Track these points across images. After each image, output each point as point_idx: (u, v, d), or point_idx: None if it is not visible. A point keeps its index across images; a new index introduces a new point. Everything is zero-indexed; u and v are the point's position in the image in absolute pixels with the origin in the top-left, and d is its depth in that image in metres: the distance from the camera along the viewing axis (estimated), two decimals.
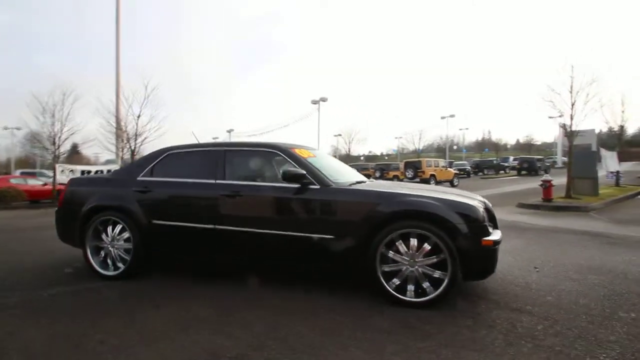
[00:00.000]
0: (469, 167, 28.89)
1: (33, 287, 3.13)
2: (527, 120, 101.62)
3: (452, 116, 36.24)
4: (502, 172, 30.54)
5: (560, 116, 10.30)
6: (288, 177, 2.83)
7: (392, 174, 22.91)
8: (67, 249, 3.92)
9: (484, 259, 2.56)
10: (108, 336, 2.17)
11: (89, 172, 13.14)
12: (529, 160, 26.43)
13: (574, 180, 9.73)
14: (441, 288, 2.52)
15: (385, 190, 2.86)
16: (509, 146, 49.98)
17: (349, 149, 20.17)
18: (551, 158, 32.36)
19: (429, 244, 2.55)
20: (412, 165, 19.91)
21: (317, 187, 2.84)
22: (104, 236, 3.32)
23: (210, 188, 3.08)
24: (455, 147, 39.39)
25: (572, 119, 9.43)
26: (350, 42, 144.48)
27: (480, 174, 29.66)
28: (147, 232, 3.17)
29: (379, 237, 2.61)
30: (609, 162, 12.10)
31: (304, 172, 2.83)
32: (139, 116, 10.94)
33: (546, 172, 26.97)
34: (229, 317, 2.45)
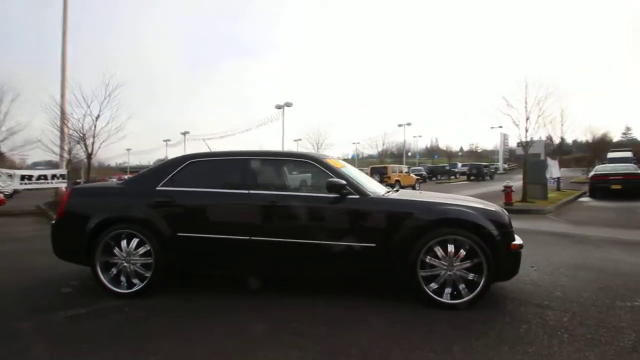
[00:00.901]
0: (425, 173, 30.85)
1: (38, 310, 2.82)
2: (472, 128, 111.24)
3: (409, 124, 38.53)
4: (453, 177, 33.10)
5: (500, 127, 11.58)
6: (331, 187, 2.90)
7: None
8: (49, 266, 3.61)
9: (512, 261, 2.86)
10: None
11: (30, 176, 11.73)
12: (477, 166, 28.98)
13: (528, 186, 10.96)
14: (477, 290, 2.76)
15: (422, 200, 3.07)
16: (460, 153, 54.36)
17: (318, 150, 20.32)
18: (493, 165, 35.92)
19: (464, 249, 2.80)
20: (378, 171, 20.76)
21: (357, 197, 2.95)
22: (116, 251, 3.08)
23: (245, 198, 3.02)
24: (409, 154, 41.81)
25: (527, 131, 10.63)
26: (314, 45, 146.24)
27: (435, 179, 31.82)
28: (171, 245, 3.01)
29: (420, 244, 2.79)
30: (553, 170, 13.78)
31: (345, 182, 2.93)
32: (97, 117, 10.05)
33: (491, 178, 30.10)
34: (285, 329, 2.46)
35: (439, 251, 2.81)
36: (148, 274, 3.04)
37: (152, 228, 3.03)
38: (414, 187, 20.58)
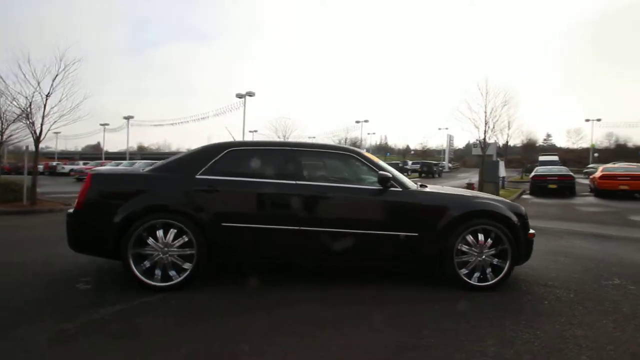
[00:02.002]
0: None
1: (70, 308, 2.58)
2: (420, 127, 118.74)
3: (366, 121, 39.96)
4: (406, 174, 35.28)
5: (446, 128, 12.85)
6: (382, 180, 3.09)
7: None
8: (46, 258, 3.35)
9: (528, 248, 3.33)
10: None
11: None
12: (428, 164, 31.30)
13: (484, 184, 12.24)
14: (502, 273, 3.17)
15: (456, 194, 3.41)
16: (412, 152, 57.87)
17: None
18: (440, 163, 39.04)
19: (491, 237, 3.19)
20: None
21: (400, 189, 3.19)
22: (151, 242, 2.92)
23: (293, 189, 3.07)
24: (365, 150, 43.66)
25: (485, 133, 11.84)
26: (276, 35, 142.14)
27: None
28: (215, 235, 2.95)
29: (456, 233, 3.12)
30: (500, 169, 15.53)
31: (391, 175, 3.14)
32: (48, 95, 8.84)
33: (439, 175, 32.75)
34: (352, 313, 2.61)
35: (471, 240, 3.17)
36: (186, 266, 2.95)
37: (194, 218, 2.94)
38: None
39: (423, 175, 30.40)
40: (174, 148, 73.52)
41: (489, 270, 3.19)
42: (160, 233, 2.93)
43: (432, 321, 2.52)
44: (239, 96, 25.08)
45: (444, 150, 44.81)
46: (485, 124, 11.66)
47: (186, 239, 2.94)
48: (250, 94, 24.55)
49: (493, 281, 3.17)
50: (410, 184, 3.34)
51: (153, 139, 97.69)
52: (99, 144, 62.88)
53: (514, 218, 3.24)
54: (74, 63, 9.34)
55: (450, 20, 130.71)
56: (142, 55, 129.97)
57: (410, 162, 41.98)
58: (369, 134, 48.48)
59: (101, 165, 24.39)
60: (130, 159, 30.27)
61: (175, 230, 2.94)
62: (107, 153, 45.30)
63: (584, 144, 51.29)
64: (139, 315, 2.52)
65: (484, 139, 11.95)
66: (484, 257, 3.18)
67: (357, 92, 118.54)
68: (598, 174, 13.69)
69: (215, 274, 3.35)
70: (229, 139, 3.64)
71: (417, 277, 3.49)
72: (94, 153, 59.72)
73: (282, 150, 3.27)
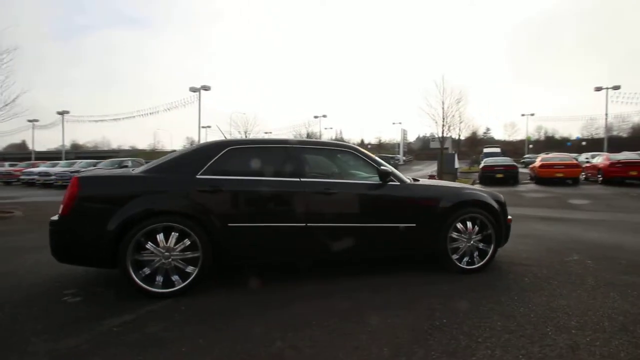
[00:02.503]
0: None
1: (70, 322, 2.40)
2: (375, 122, 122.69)
3: (324, 116, 40.36)
4: None
5: (399, 123, 13.70)
6: (382, 174, 3.24)
7: None
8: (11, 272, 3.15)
9: (507, 232, 3.72)
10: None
11: None
12: (385, 158, 32.56)
13: (442, 175, 13.15)
14: (487, 256, 3.51)
15: (447, 186, 3.67)
16: (369, 146, 59.69)
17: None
18: (394, 157, 40.76)
19: (477, 224, 3.52)
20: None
21: (398, 183, 3.37)
22: (151, 247, 2.79)
23: (298, 186, 3.10)
24: None
25: (442, 127, 12.69)
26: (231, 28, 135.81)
27: None
28: (220, 237, 2.89)
29: (448, 222, 3.39)
30: (455, 161, 16.76)
31: (391, 170, 3.31)
32: None
33: (395, 168, 34.04)
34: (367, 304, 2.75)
35: (461, 227, 3.46)
36: (189, 269, 2.85)
37: (198, 220, 2.84)
38: None
39: None
40: (114, 146, 68.06)
41: (476, 254, 3.51)
42: (160, 237, 2.80)
43: (440, 303, 2.74)
44: (193, 90, 23.90)
45: (398, 143, 46.90)
46: (443, 119, 12.48)
47: (189, 242, 2.84)
48: (206, 88, 23.51)
49: (480, 264, 3.49)
50: (405, 178, 3.54)
51: (88, 136, 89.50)
52: (24, 142, 56.24)
53: (496, 205, 3.59)
54: (9, 52, 8.33)
55: (402, 18, 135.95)
56: (73, 42, 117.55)
57: None
58: (325, 128, 49.04)
59: (33, 167, 21.83)
60: (66, 158, 27.49)
61: (177, 234, 2.83)
62: (36, 153, 40.55)
63: (518, 136, 56.94)
64: (151, 324, 2.40)
65: (442, 133, 12.79)
66: (472, 242, 3.49)
67: (316, 87, 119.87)
68: (537, 163, 15.35)
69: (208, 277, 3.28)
70: (185, 136, 3.54)
71: (413, 264, 3.71)
72: (19, 152, 53.38)
73: (283, 148, 3.28)
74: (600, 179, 13.75)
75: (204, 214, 2.87)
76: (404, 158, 45.65)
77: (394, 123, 37.63)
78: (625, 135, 47.05)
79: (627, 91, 27.67)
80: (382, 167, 3.27)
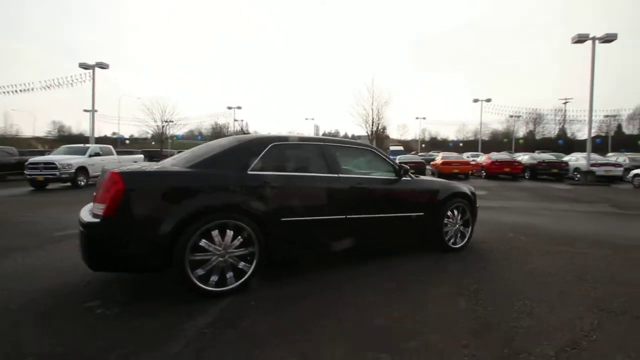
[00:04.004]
0: None
1: (152, 332, 2.23)
2: (287, 117, 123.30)
3: (239, 107, 38.82)
4: None
5: (312, 118, 14.92)
6: (398, 171, 3.76)
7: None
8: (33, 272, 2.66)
9: (476, 216, 4.70)
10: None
11: None
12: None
13: None
14: (467, 237, 4.41)
15: (441, 181, 4.41)
16: None
17: (164, 130, 16.91)
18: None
19: (459, 211, 4.37)
20: (150, 155, 20.05)
21: (409, 178, 3.96)
22: (206, 245, 2.71)
23: (337, 181, 3.35)
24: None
25: (372, 125, 14.00)
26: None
27: None
28: (275, 232, 2.96)
29: (443, 211, 4.15)
30: None
31: (405, 167, 3.87)
32: None
33: None
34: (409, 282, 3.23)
35: (450, 214, 4.25)
36: (242, 266, 2.87)
37: (254, 216, 2.86)
38: None
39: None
40: None
41: (458, 235, 4.37)
42: (216, 234, 2.75)
43: (464, 273, 3.42)
44: (85, 67, 20.23)
45: None
46: (372, 118, 13.81)
47: (244, 239, 2.85)
48: (103, 66, 20.15)
49: (462, 243, 4.36)
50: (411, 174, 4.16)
51: None
52: None
53: (472, 196, 4.51)
54: None
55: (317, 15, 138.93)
56: None
57: None
58: (235, 120, 47.47)
59: None
60: None
61: (232, 231, 2.81)
62: None
63: (409, 136, 65.49)
64: (236, 321, 2.40)
65: (372, 130, 14.12)
66: (457, 226, 4.33)
67: (230, 78, 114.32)
68: (439, 161, 18.26)
69: None
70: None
71: (415, 248, 4.36)
72: None
73: (319, 146, 3.48)
74: (484, 174, 17.25)
75: (260, 209, 2.90)
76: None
77: (306, 119, 38.92)
78: (486, 138, 58.68)
79: (495, 104, 34.79)
80: (397, 165, 3.81)
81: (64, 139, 52.28)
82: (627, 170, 15.34)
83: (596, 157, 17.10)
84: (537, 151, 27.49)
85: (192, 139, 54.90)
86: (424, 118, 41.78)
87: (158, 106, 15.44)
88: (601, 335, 2.26)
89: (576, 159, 17.26)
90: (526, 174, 17.03)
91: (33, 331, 2.26)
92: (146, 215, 2.55)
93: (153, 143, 45.24)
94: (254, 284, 2.90)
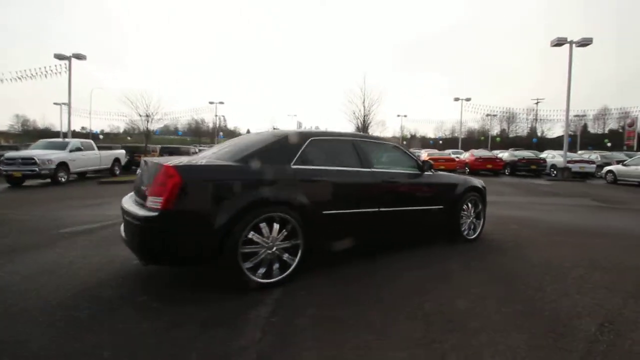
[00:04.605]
0: None
1: (218, 323, 2.27)
2: (272, 113, 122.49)
3: (221, 102, 38.05)
4: None
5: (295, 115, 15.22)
6: (421, 166, 3.95)
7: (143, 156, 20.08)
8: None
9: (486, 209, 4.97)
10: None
11: None
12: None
13: None
14: (480, 228, 4.67)
15: (458, 175, 4.62)
16: None
17: (148, 124, 16.18)
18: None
19: (473, 204, 4.61)
20: (169, 151, 19.55)
21: (431, 173, 4.14)
22: (255, 238, 2.75)
23: (371, 176, 3.48)
24: (221, 134, 41.45)
25: (364, 121, 14.22)
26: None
27: None
28: (317, 225, 3.04)
29: (460, 204, 4.37)
30: None
31: (429, 163, 4.04)
32: None
33: None
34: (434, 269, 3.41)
35: (465, 207, 4.48)
36: (286, 258, 2.94)
37: (299, 209, 2.93)
38: None
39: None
40: None
41: (472, 227, 4.62)
42: (264, 227, 2.80)
43: (487, 262, 3.64)
44: (60, 57, 19.21)
45: None
46: (364, 115, 14.03)
47: (288, 232, 2.91)
48: (80, 57, 19.23)
49: (476, 235, 4.61)
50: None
51: None
52: None
53: (483, 189, 4.77)
54: None
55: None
56: None
57: None
58: (216, 115, 46.60)
59: None
60: None
61: (279, 224, 2.87)
62: None
63: (388, 133, 66.68)
64: (299, 308, 2.48)
65: (363, 126, 14.34)
66: (471, 218, 4.57)
67: (213, 73, 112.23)
68: (425, 157, 18.79)
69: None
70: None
71: (434, 240, 4.56)
72: None
73: (351, 141, 3.59)
74: (467, 170, 17.92)
75: (304, 202, 2.97)
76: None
77: (288, 115, 38.81)
78: (463, 136, 60.75)
79: (473, 103, 36.02)
80: (420, 160, 3.98)
81: (30, 133, 49.52)
82: (600, 167, 16.43)
83: (571, 155, 18.17)
84: (511, 149, 28.84)
85: (169, 134, 53.42)
86: (405, 116, 42.61)
87: (142, 100, 14.84)
88: (628, 312, 2.52)
89: (552, 157, 18.28)
90: (506, 170, 17.85)
91: (101, 326, 2.23)
92: (202, 208, 2.57)
93: (129, 138, 43.60)
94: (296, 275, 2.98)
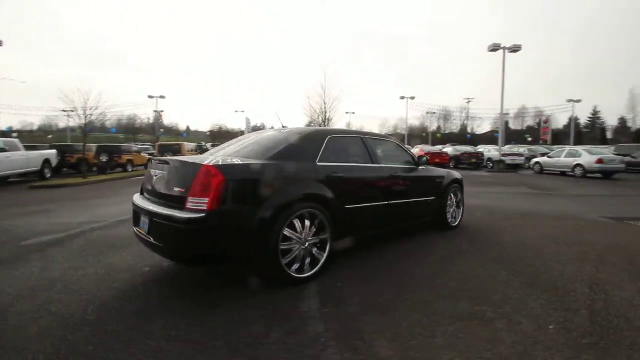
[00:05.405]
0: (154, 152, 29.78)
1: (275, 318, 2.35)
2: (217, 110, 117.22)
3: (162, 97, 35.46)
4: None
5: (242, 111, 15.44)
6: (416, 161, 4.32)
7: (76, 157, 17.40)
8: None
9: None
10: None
11: None
12: (202, 147, 32.59)
13: None
14: (461, 215, 5.23)
15: (441, 169, 5.10)
16: (208, 133, 56.56)
17: (86, 120, 14.15)
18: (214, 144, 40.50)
19: (454, 194, 5.15)
20: (108, 150, 18.24)
21: (424, 167, 4.54)
22: (290, 234, 2.85)
23: (381, 171, 3.74)
24: (162, 130, 38.58)
25: (325, 119, 14.53)
26: None
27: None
28: (341, 219, 3.20)
29: (446, 195, 4.86)
30: None
31: (424, 158, 4.43)
32: None
33: None
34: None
35: (450, 197, 4.99)
36: (316, 252, 3.07)
37: (327, 204, 3.07)
38: (146, 166, 19.52)
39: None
40: None
41: (455, 215, 5.15)
42: (297, 223, 2.90)
43: (478, 245, 4.13)
44: None
45: (243, 131, 47.27)
46: (325, 113, 14.36)
47: (317, 227, 3.03)
48: None
49: (457, 222, 5.16)
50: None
51: None
52: None
53: (462, 180, 5.34)
54: None
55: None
56: None
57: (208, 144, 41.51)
58: (155, 111, 43.54)
59: None
60: None
61: (309, 220, 2.98)
62: None
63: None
64: (345, 299, 2.64)
65: (325, 121, 14.65)
66: (453, 207, 5.10)
67: (231, 78, 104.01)
68: (422, 153, 19.77)
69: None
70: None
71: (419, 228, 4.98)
72: None
73: (361, 138, 3.82)
74: None
75: (331, 198, 3.12)
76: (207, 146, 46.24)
77: (236, 111, 37.79)
78: (405, 133, 64.68)
79: (415, 102, 38.59)
80: (422, 157, 4.36)
81: None
82: (528, 159, 18.86)
83: (504, 149, 20.54)
84: (448, 144, 31.61)
85: (98, 132, 48.55)
86: (354, 113, 44.10)
87: (80, 94, 13.18)
88: (605, 276, 3.12)
89: (489, 151, 20.50)
90: (452, 164, 19.60)
91: (158, 324, 2.17)
92: (246, 206, 2.61)
93: (50, 137, 38.68)
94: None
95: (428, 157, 4.63)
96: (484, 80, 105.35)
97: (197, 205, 2.45)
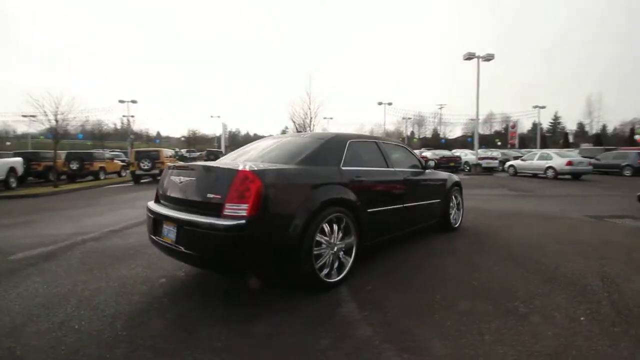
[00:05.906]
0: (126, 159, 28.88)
1: (320, 322, 2.33)
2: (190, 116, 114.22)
3: (134, 101, 33.96)
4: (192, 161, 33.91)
5: (218, 116, 15.53)
6: (424, 165, 4.45)
7: (43, 165, 16.53)
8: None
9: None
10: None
11: None
12: (215, 152, 32.04)
13: None
14: (461, 216, 5.41)
15: (444, 172, 5.26)
16: (182, 139, 54.84)
17: (57, 125, 12.98)
18: (221, 151, 40.20)
19: (455, 197, 5.34)
20: (78, 157, 17.45)
21: (431, 170, 4.69)
22: (320, 238, 2.83)
23: (396, 175, 3.83)
24: (132, 136, 36.85)
25: (310, 124, 14.58)
26: None
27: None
28: (364, 223, 3.23)
29: (449, 196, 5.03)
30: None
31: (432, 162, 4.58)
32: None
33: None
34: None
35: (452, 199, 5.17)
36: (342, 257, 3.08)
37: (353, 208, 3.09)
38: (119, 174, 19.28)
39: (211, 160, 30.45)
40: None
41: (456, 216, 5.34)
42: (327, 228, 2.91)
43: (472, 242, 4.30)
44: None
45: (218, 137, 46.38)
46: (310, 119, 14.42)
47: (343, 231, 3.05)
48: None
49: (459, 224, 5.34)
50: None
51: None
52: None
53: (461, 183, 5.55)
54: None
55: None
56: None
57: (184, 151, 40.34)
58: (124, 116, 41.79)
59: None
60: None
61: (336, 224, 2.99)
62: None
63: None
64: (381, 301, 2.66)
65: (309, 126, 14.70)
66: (455, 209, 5.28)
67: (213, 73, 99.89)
68: (434, 157, 20.12)
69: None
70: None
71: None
72: None
73: (376, 143, 3.90)
74: None
75: (356, 202, 3.14)
76: (222, 151, 45.70)
77: (212, 116, 36.99)
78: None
79: (391, 107, 39.56)
80: (430, 160, 4.49)
81: None
82: (501, 162, 19.81)
83: (480, 152, 21.46)
84: (423, 148, 32.63)
85: (65, 138, 45.98)
86: (332, 118, 44.47)
87: (50, 99, 12.31)
88: (609, 270, 3.34)
89: (465, 155, 21.34)
90: None
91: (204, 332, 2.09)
92: (284, 211, 2.58)
93: (8, 143, 36.09)
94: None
95: (435, 161, 4.79)
96: (453, 88, 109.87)
97: (236, 212, 2.40)
